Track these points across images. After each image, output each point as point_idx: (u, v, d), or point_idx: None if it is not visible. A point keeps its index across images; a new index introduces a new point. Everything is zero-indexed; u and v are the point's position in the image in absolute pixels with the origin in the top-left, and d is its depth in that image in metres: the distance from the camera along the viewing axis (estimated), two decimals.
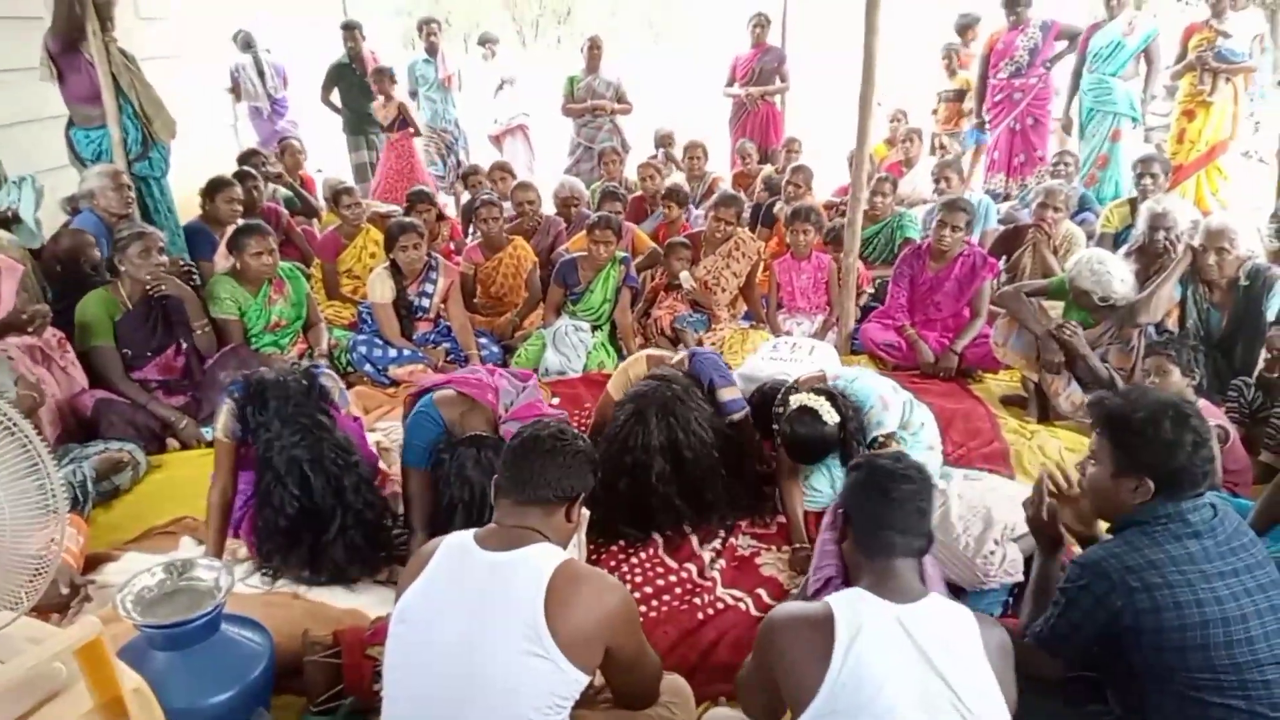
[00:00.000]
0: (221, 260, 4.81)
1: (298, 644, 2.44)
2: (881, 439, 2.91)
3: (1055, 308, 4.23)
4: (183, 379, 4.07)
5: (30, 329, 3.62)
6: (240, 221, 4.75)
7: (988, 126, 7.17)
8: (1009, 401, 4.21)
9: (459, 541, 1.83)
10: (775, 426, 3.05)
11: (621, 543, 3.03)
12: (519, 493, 1.84)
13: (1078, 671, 2.01)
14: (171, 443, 3.90)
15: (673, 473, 2.91)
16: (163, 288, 3.93)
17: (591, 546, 2.97)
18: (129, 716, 1.80)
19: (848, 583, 1.81)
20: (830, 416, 2.82)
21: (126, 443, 3.64)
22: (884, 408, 2.95)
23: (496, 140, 8.29)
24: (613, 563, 2.96)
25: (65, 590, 2.70)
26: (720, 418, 3.09)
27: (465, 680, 1.69)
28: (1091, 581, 1.92)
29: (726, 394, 3.15)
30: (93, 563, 3.00)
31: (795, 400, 2.89)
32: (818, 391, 2.90)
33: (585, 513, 2.01)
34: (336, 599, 2.78)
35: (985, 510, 2.69)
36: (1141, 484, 1.93)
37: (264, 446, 2.68)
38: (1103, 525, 2.19)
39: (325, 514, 2.69)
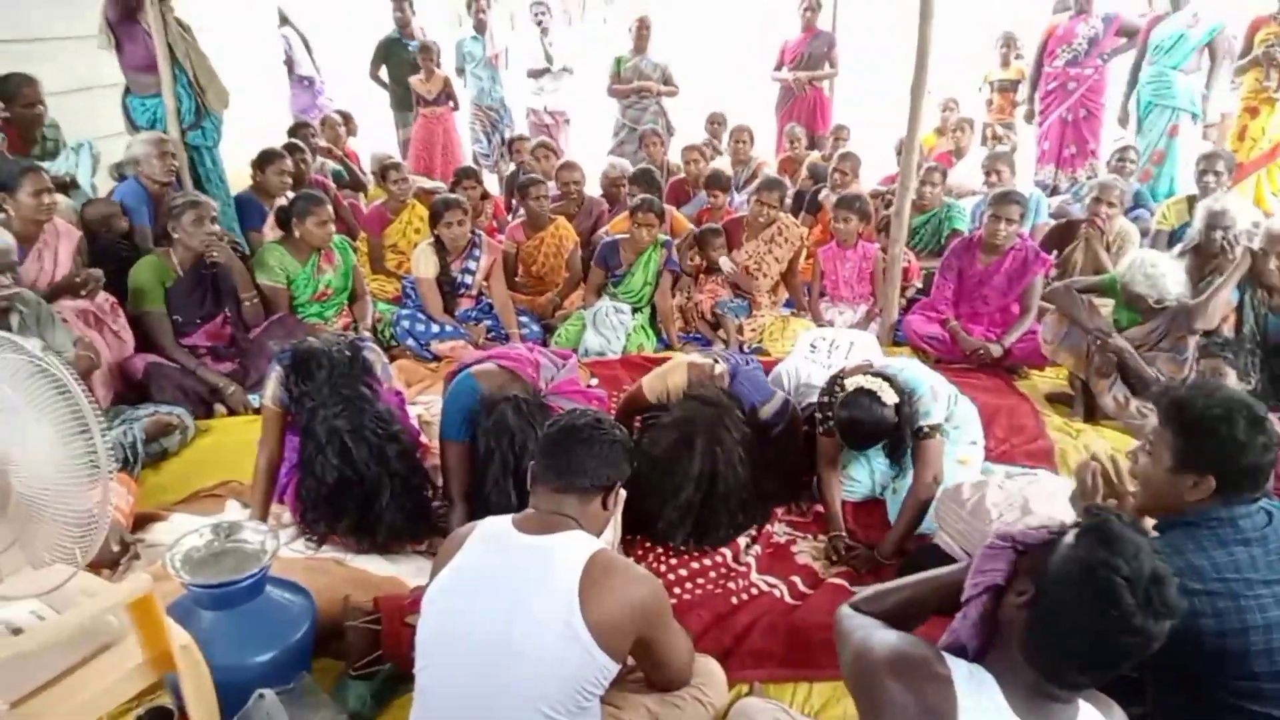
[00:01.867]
0: (270, 232, 4.88)
1: (338, 609, 2.48)
2: (927, 429, 2.88)
3: (1106, 305, 4.15)
4: (230, 346, 4.15)
5: (84, 292, 3.71)
6: (290, 194, 4.81)
7: (1037, 116, 7.03)
8: (1055, 399, 4.15)
9: (497, 524, 1.86)
10: (821, 417, 3.03)
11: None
12: (556, 480, 1.85)
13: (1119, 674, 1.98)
14: (219, 408, 3.98)
15: (699, 501, 2.88)
16: (215, 254, 3.99)
17: (626, 537, 2.97)
18: (177, 670, 1.86)
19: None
20: (889, 397, 2.78)
21: (176, 407, 3.72)
22: (933, 398, 2.91)
23: (541, 128, 8.29)
24: (647, 544, 2.97)
25: (116, 547, 2.78)
26: (759, 431, 3.08)
27: (500, 653, 1.71)
28: None
29: (768, 410, 3.11)
30: (142, 522, 3.08)
31: (851, 383, 2.86)
32: (872, 374, 2.87)
33: (622, 494, 2.01)
34: (376, 567, 2.82)
35: (1023, 501, 2.65)
36: (1202, 481, 1.85)
37: (307, 416, 2.73)
38: (1148, 523, 2.14)
39: (371, 483, 2.72)
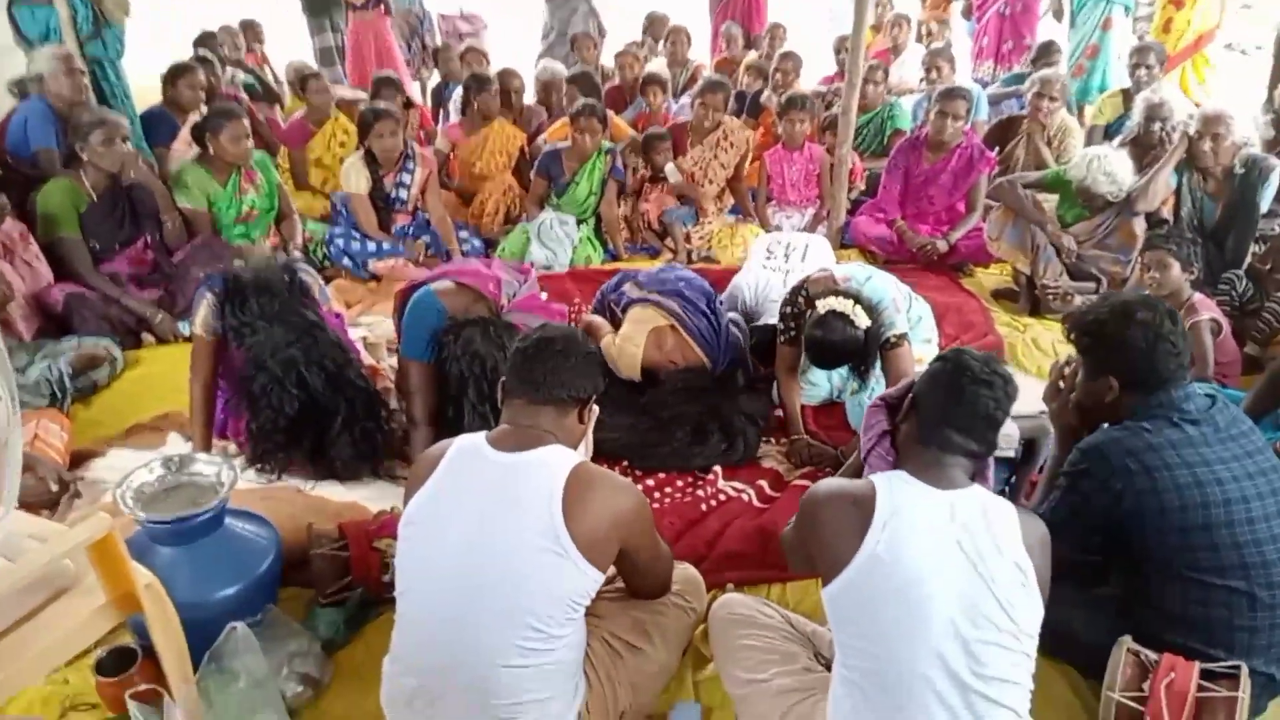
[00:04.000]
0: (183, 148, 4.57)
1: (302, 537, 2.41)
2: (894, 339, 2.86)
3: (1050, 200, 4.19)
4: (153, 272, 3.91)
5: None
6: (213, 105, 4.49)
7: (975, 11, 6.96)
8: (1000, 295, 4.21)
9: (470, 442, 1.80)
10: (783, 327, 3.00)
11: None
12: (533, 393, 1.80)
13: (1082, 556, 2.05)
14: (147, 338, 3.78)
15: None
16: (132, 173, 3.72)
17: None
18: (142, 611, 1.78)
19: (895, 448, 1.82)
20: (861, 320, 2.73)
21: (101, 338, 3.53)
22: (895, 309, 2.90)
23: (455, 36, 7.87)
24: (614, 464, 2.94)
25: (55, 486, 2.64)
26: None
27: (481, 571, 1.67)
28: (1092, 465, 1.96)
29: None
30: (79, 459, 2.93)
31: (823, 305, 2.79)
32: (842, 294, 2.80)
33: (595, 410, 1.97)
34: (334, 494, 2.75)
35: None
36: (1110, 385, 2.00)
37: (254, 348, 2.59)
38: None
39: (326, 411, 2.62)
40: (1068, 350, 3.54)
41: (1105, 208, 3.86)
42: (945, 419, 1.66)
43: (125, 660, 2.01)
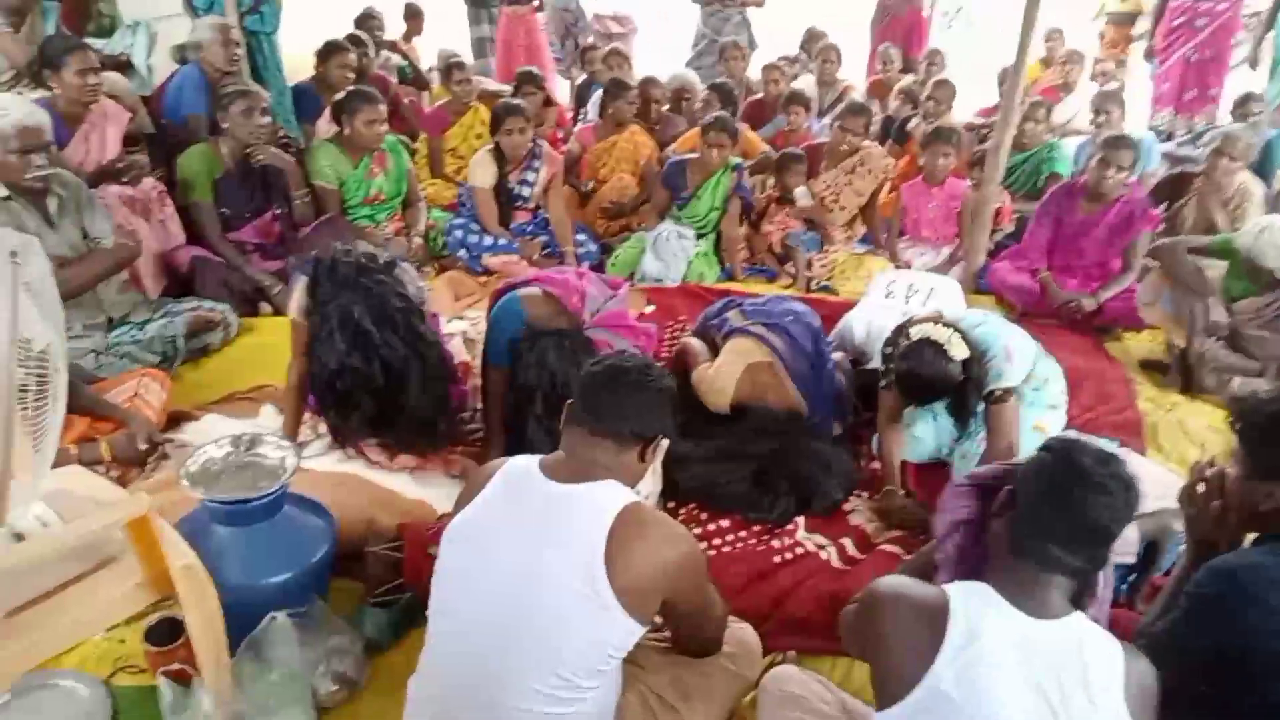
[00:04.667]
0: (325, 126, 4.71)
1: (363, 529, 2.39)
2: (999, 392, 2.61)
3: (1216, 268, 3.77)
4: (279, 244, 4.02)
5: (125, 179, 3.59)
6: (352, 87, 4.61)
7: (1158, 54, 6.42)
8: (1149, 366, 3.80)
9: (522, 465, 1.70)
10: (885, 369, 2.78)
11: None
12: (594, 422, 1.68)
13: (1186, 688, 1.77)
14: (264, 307, 3.89)
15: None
16: (260, 158, 3.83)
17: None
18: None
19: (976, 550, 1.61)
20: (958, 351, 2.50)
21: (220, 303, 3.64)
22: (1007, 358, 2.63)
23: (605, 36, 7.87)
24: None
25: (144, 445, 2.70)
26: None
27: (516, 606, 1.57)
28: (1225, 591, 1.66)
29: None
30: (175, 420, 3.02)
31: (916, 331, 2.58)
32: (942, 323, 2.58)
33: (664, 445, 1.83)
34: (407, 488, 2.72)
35: None
36: (1273, 492, 1.71)
37: (324, 315, 2.54)
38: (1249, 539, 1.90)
39: (396, 366, 2.54)
40: (1219, 439, 3.21)
41: (1275, 285, 3.42)
42: (1047, 529, 1.42)
43: (176, 631, 2.01)
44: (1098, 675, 1.34)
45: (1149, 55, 6.64)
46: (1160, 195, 4.53)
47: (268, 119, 3.86)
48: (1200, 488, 1.93)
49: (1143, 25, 6.83)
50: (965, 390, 2.60)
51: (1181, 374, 3.64)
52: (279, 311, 3.86)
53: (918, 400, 2.74)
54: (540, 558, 1.57)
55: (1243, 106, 5.33)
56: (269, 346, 3.56)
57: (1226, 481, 1.84)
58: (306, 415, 2.89)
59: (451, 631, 1.67)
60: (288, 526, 2.16)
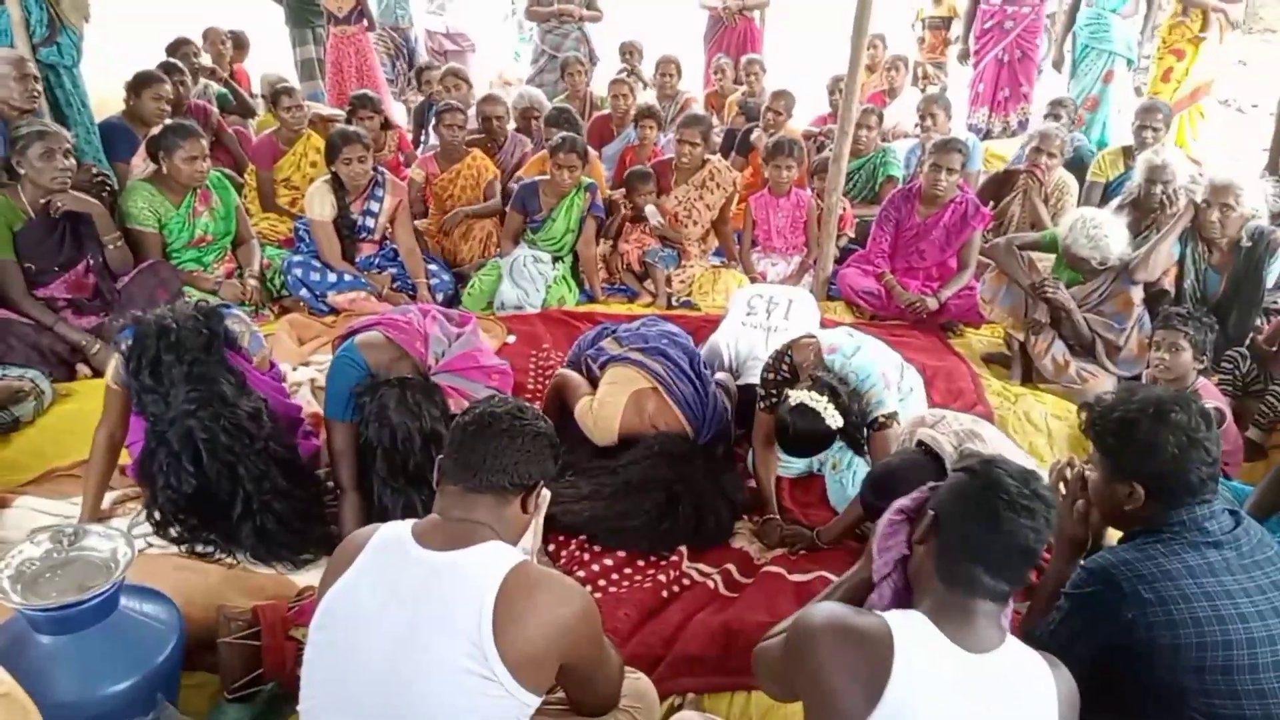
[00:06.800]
0: (140, 163, 4.33)
1: (213, 616, 2.16)
2: (882, 419, 2.66)
3: (1045, 260, 4.02)
4: (94, 298, 3.64)
5: None
6: (168, 120, 4.25)
7: (972, 56, 6.83)
8: (991, 360, 4.02)
9: (393, 535, 1.57)
10: (764, 394, 2.79)
11: None
12: (469, 479, 1.57)
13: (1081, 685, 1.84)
14: (82, 369, 3.52)
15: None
16: (61, 206, 3.46)
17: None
18: None
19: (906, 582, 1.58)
20: (834, 420, 2.52)
21: (29, 369, 3.27)
22: (885, 386, 2.69)
23: (440, 54, 7.67)
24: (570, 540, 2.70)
25: None
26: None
27: (393, 703, 1.45)
28: (1100, 589, 1.74)
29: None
30: None
31: (795, 397, 2.56)
32: (819, 385, 2.57)
33: (546, 495, 1.74)
34: (259, 564, 2.50)
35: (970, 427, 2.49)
36: (1133, 491, 1.79)
37: (153, 418, 2.37)
38: (1113, 535, 2.00)
39: (224, 497, 2.39)
40: (1061, 426, 3.41)
41: (1096, 272, 3.67)
42: (974, 554, 1.40)
43: None
44: (1034, 707, 1.35)
45: (963, 59, 7.06)
46: (986, 194, 4.79)
47: (70, 161, 3.49)
48: (1061, 488, 2.01)
49: (957, 29, 7.23)
50: (849, 434, 2.63)
51: (1022, 365, 3.85)
52: (99, 373, 3.49)
53: (802, 455, 2.76)
54: (419, 640, 1.45)
55: (1054, 110, 5.70)
56: (90, 413, 3.15)
57: (1088, 483, 1.92)
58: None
59: None
60: (125, 626, 1.93)
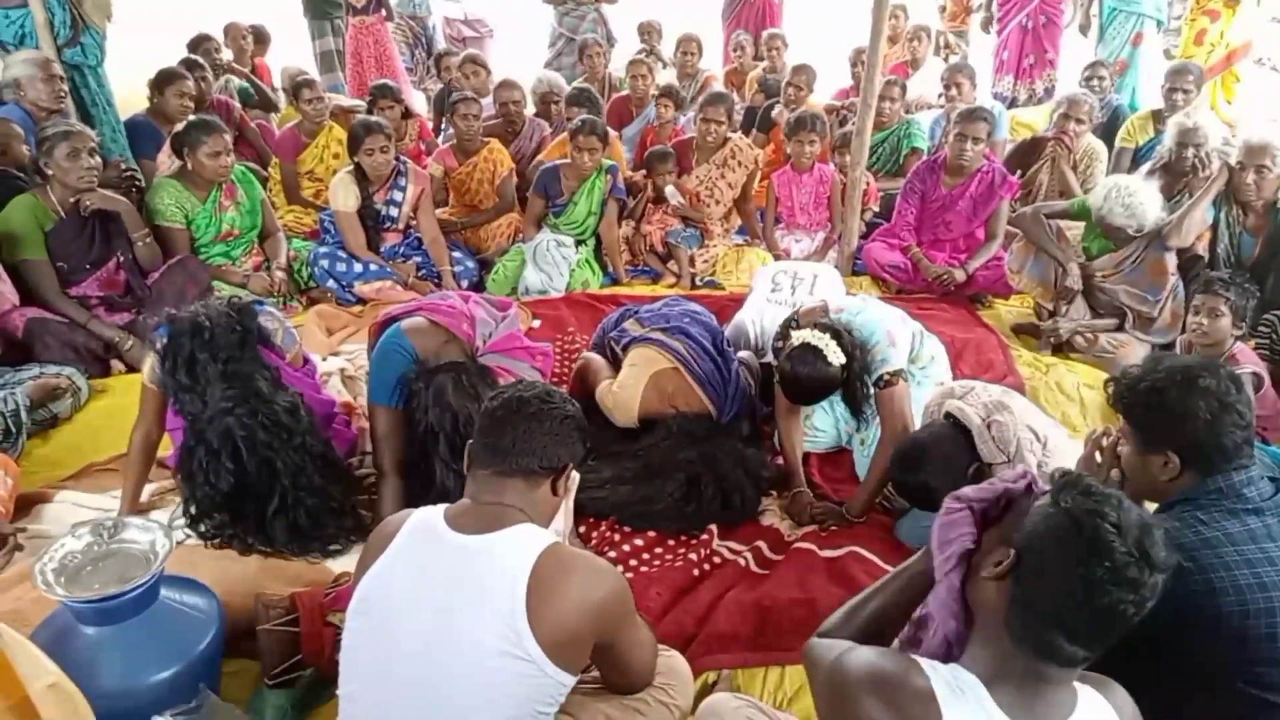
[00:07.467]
0: (166, 161, 4.37)
1: (252, 604, 2.20)
2: (887, 376, 2.65)
3: (1074, 229, 3.95)
4: (126, 295, 3.70)
5: None
6: (191, 117, 4.29)
7: (995, 24, 6.70)
8: (1021, 330, 3.96)
9: (427, 520, 1.59)
10: (774, 365, 2.78)
11: None
12: (499, 463, 1.59)
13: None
14: (116, 365, 3.57)
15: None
16: (90, 205, 3.50)
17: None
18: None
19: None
20: (835, 357, 2.53)
21: (65, 366, 3.32)
22: (890, 343, 2.67)
23: (459, 41, 7.64)
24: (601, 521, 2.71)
25: None
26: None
27: (430, 686, 1.47)
28: None
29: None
30: (26, 504, 2.72)
31: (797, 337, 2.59)
32: (821, 327, 2.59)
33: (575, 477, 1.75)
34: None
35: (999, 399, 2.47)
36: (1168, 461, 1.74)
37: (192, 413, 2.38)
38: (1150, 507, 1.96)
39: (262, 492, 2.42)
40: (1094, 396, 3.36)
41: (1131, 240, 3.60)
42: (1057, 621, 1.18)
43: None
44: None
45: (985, 26, 6.92)
46: (1014, 162, 4.71)
47: (96, 159, 3.53)
48: (1097, 456, 1.98)
49: None
50: (853, 383, 2.63)
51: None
52: (133, 368, 3.55)
53: (804, 401, 2.76)
54: (456, 623, 1.47)
55: (1090, 74, 5.55)
56: (125, 408, 3.21)
57: (1121, 454, 1.89)
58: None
59: (365, 717, 1.55)
60: (166, 616, 1.96)
